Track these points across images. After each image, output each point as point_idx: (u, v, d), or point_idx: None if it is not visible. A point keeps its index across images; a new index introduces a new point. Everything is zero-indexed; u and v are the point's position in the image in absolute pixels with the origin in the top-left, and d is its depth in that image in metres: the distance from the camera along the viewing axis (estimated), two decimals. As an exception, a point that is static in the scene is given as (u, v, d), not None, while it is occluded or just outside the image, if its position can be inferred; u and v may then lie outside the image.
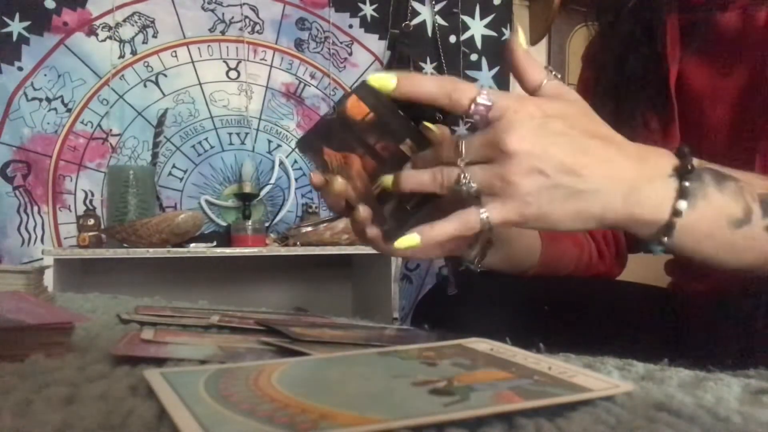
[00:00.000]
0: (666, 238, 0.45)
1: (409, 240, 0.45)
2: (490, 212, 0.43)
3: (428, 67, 2.16)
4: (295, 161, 2.05)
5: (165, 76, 1.93)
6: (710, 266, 0.48)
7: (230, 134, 1.99)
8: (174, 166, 1.93)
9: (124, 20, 1.89)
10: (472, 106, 0.43)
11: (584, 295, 0.75)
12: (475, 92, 0.43)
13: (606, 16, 0.75)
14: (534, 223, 0.44)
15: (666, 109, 0.70)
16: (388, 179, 0.47)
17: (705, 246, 0.46)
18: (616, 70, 0.72)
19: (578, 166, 0.42)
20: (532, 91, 0.46)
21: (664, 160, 0.45)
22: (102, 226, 1.71)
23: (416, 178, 0.46)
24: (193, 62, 1.96)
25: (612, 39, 0.74)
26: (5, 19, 1.77)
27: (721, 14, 0.66)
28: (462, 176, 0.43)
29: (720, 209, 0.45)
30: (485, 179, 0.43)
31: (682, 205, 0.44)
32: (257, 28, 2.02)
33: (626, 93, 0.70)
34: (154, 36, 1.92)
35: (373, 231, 0.50)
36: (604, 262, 0.79)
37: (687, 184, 0.44)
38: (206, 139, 1.97)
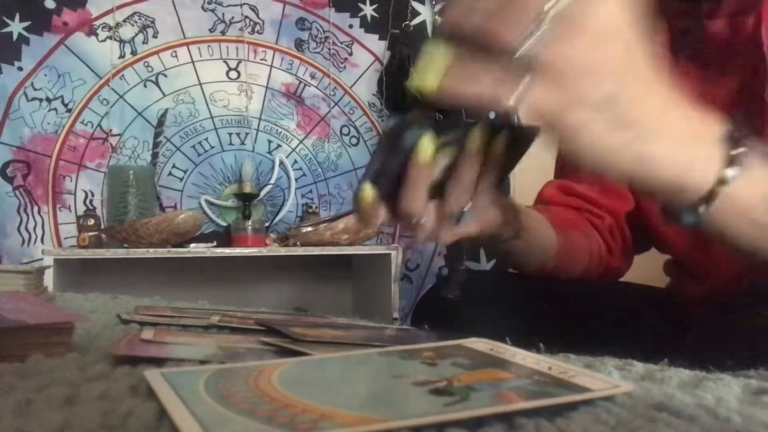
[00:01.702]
0: (704, 208, 0.41)
1: (429, 77, 0.37)
2: (531, 93, 0.36)
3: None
4: (295, 161, 2.05)
5: (165, 76, 1.93)
6: (736, 248, 0.45)
7: (230, 134, 1.99)
8: (174, 166, 1.93)
9: (124, 20, 1.89)
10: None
11: (584, 295, 0.75)
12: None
13: None
14: (565, 131, 0.38)
15: None
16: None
17: (738, 223, 0.42)
18: None
19: (645, 103, 0.38)
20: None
21: (715, 124, 0.42)
22: (102, 226, 1.71)
23: (467, 13, 0.37)
24: (193, 62, 1.96)
25: None
26: (5, 19, 1.77)
27: (709, 22, 0.67)
28: (526, 33, 0.35)
29: (764, 186, 0.42)
30: (551, 53, 0.35)
31: (730, 173, 0.40)
32: (257, 28, 2.02)
33: None
34: (154, 36, 1.92)
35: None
36: (615, 258, 0.79)
37: (736, 151, 0.40)
38: (206, 139, 1.97)
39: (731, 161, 0.40)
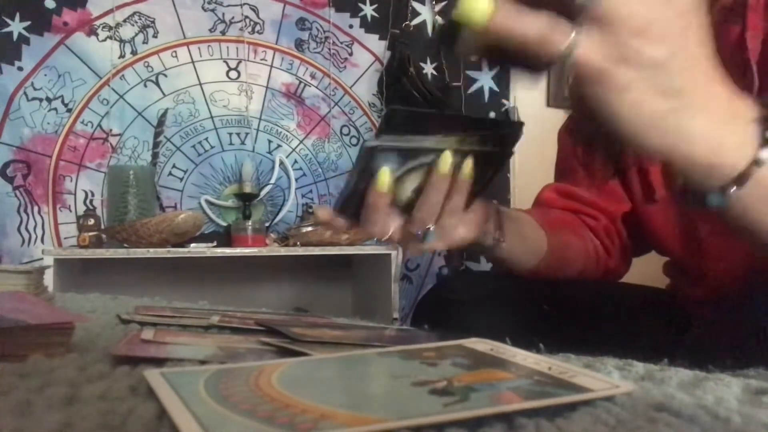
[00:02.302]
0: (735, 189, 0.39)
1: (481, 3, 0.35)
2: (581, 40, 0.35)
3: (428, 67, 2.16)
4: (295, 161, 2.05)
5: (165, 76, 1.93)
6: (757, 234, 0.43)
7: (230, 134, 1.99)
8: (174, 166, 1.93)
9: (125, 20, 1.89)
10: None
11: (584, 296, 0.75)
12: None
13: None
14: (607, 91, 0.37)
15: None
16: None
17: (761, 207, 0.41)
18: None
19: (692, 77, 0.37)
20: None
21: (751, 106, 0.41)
22: (102, 226, 1.71)
23: None
24: (193, 62, 1.96)
25: None
26: (5, 19, 1.77)
27: None
28: None
29: None
30: (614, 7, 0.35)
31: (765, 154, 0.39)
32: (257, 28, 2.02)
33: None
34: (155, 36, 1.92)
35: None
36: (613, 259, 0.80)
37: None
38: (206, 139, 1.97)
39: (766, 143, 0.39)
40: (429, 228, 0.52)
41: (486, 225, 0.61)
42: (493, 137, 0.50)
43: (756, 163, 0.39)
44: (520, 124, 0.52)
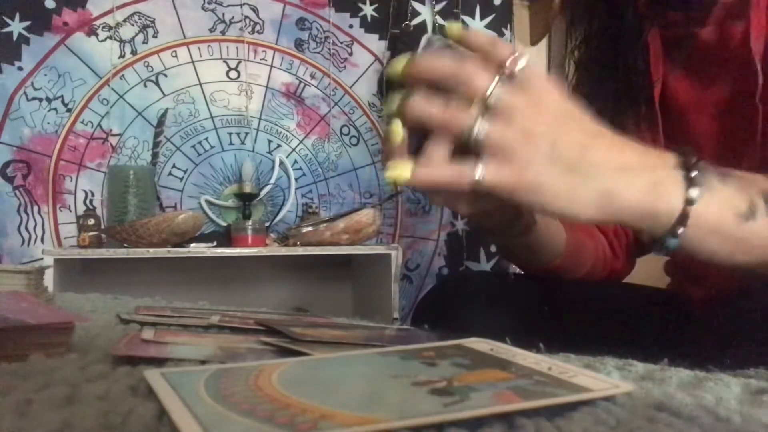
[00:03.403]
0: (681, 229, 0.43)
1: (400, 170, 0.43)
2: (487, 171, 0.42)
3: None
4: (295, 161, 2.05)
5: (165, 76, 1.93)
6: (716, 264, 0.47)
7: (230, 134, 1.99)
8: (174, 166, 1.93)
9: (125, 20, 1.89)
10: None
11: (584, 296, 0.75)
12: (485, 85, 0.41)
13: (592, 40, 0.76)
14: (527, 195, 0.42)
15: (651, 123, 0.71)
16: (396, 70, 0.44)
17: (712, 241, 0.45)
18: (601, 88, 0.73)
19: (589, 145, 0.41)
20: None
21: (666, 155, 0.45)
22: (102, 226, 1.71)
23: (423, 107, 0.43)
24: (193, 62, 1.96)
25: (595, 65, 0.75)
26: (5, 19, 1.77)
27: (699, 30, 0.67)
28: (475, 121, 0.41)
29: (726, 202, 0.44)
30: (494, 132, 0.41)
31: (694, 192, 0.43)
32: (257, 28, 2.02)
33: (612, 108, 0.71)
34: (155, 36, 1.92)
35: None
36: (619, 260, 0.80)
37: (694, 174, 0.43)
38: (206, 139, 1.97)
39: (692, 182, 0.43)
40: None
41: (520, 210, 0.61)
42: None
43: (689, 202, 0.43)
44: None
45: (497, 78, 0.41)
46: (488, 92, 0.41)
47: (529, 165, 0.41)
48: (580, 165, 0.41)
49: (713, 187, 0.44)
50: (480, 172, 0.42)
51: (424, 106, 0.43)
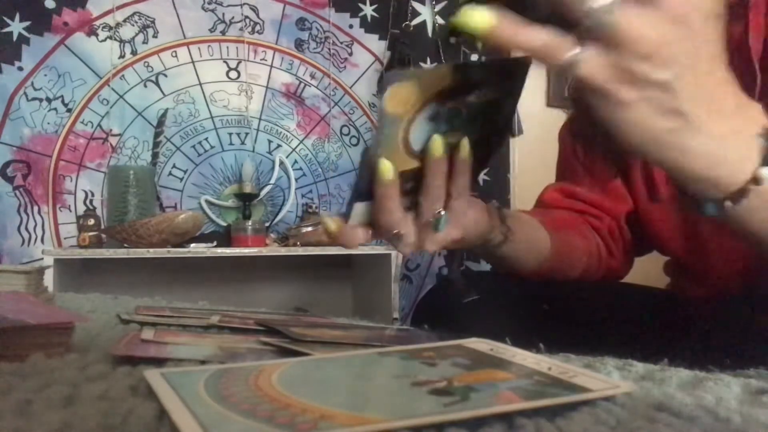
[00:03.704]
0: (731, 204, 0.40)
1: (479, 15, 0.35)
2: (587, 56, 0.35)
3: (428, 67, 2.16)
4: (295, 161, 2.05)
5: (165, 76, 1.93)
6: (753, 244, 0.44)
7: (230, 134, 1.99)
8: (174, 166, 1.93)
9: (125, 20, 1.89)
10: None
11: (584, 296, 0.75)
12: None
13: None
14: (611, 110, 0.37)
15: None
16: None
17: (760, 222, 0.41)
18: None
19: (699, 89, 0.37)
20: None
21: (755, 115, 0.40)
22: (102, 226, 1.71)
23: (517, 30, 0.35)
24: (193, 62, 1.96)
25: None
26: (5, 19, 1.77)
27: None
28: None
29: None
30: (624, 21, 0.34)
31: (765, 172, 0.39)
32: (257, 28, 2.02)
33: None
34: (155, 36, 1.92)
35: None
36: (615, 260, 0.79)
37: None
38: (206, 139, 1.97)
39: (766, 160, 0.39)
40: (440, 213, 0.49)
41: (491, 225, 0.61)
42: (493, 82, 0.46)
43: (755, 180, 0.39)
44: (526, 60, 0.45)
45: None
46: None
47: (636, 82, 0.36)
48: (676, 112, 0.37)
49: None
50: (577, 54, 0.35)
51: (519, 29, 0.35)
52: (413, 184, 0.49)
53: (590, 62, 0.35)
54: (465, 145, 0.48)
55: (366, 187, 0.47)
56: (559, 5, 0.35)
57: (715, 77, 0.38)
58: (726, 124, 0.39)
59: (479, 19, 0.35)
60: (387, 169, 0.45)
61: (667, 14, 0.35)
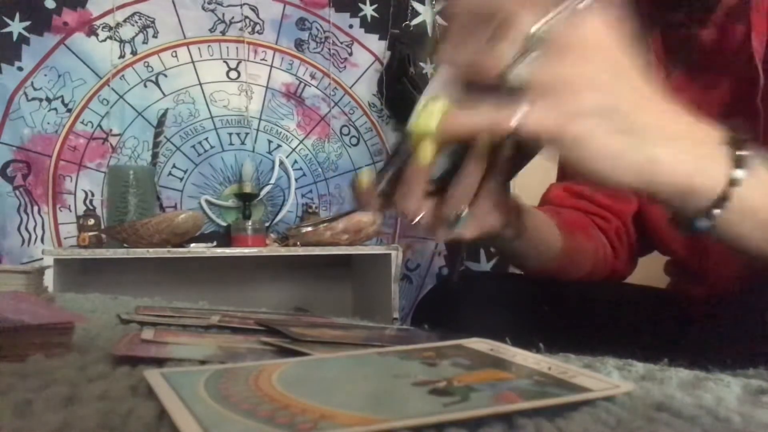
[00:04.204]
0: (717, 211, 0.40)
1: (427, 117, 0.39)
2: (529, 114, 0.37)
3: (428, 67, 2.16)
4: (295, 161, 2.05)
5: (165, 76, 1.93)
6: (745, 251, 0.44)
7: (230, 134, 1.99)
8: (174, 166, 1.93)
9: (125, 20, 1.89)
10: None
11: (584, 296, 0.75)
12: (534, 19, 0.37)
13: None
14: (569, 148, 0.38)
15: None
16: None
17: (746, 226, 0.42)
18: None
19: (642, 106, 0.38)
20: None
21: (715, 129, 0.41)
22: (102, 226, 1.71)
23: (456, 47, 0.38)
24: (193, 62, 1.96)
25: None
26: (5, 19, 1.77)
27: (700, 31, 0.67)
28: (519, 60, 0.37)
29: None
30: (542, 73, 0.37)
31: (739, 173, 0.40)
32: (257, 28, 2.02)
33: None
34: (155, 36, 1.92)
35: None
36: (620, 261, 0.79)
37: (742, 153, 0.40)
38: (206, 139, 1.97)
39: (738, 162, 0.40)
40: (462, 213, 0.48)
41: (508, 218, 0.60)
42: None
43: (732, 183, 0.40)
44: None
45: (552, 13, 0.37)
46: (538, 27, 0.36)
47: (576, 115, 0.37)
48: (630, 127, 0.38)
49: (758, 171, 0.40)
50: (519, 117, 0.37)
51: (457, 46, 0.38)
52: (447, 168, 0.47)
53: (534, 116, 0.38)
54: (507, 146, 0.47)
55: (400, 159, 0.46)
56: (478, 78, 0.39)
57: (652, 97, 0.40)
58: (686, 134, 0.40)
59: (425, 125, 0.40)
60: (425, 155, 0.44)
61: (579, 52, 0.38)
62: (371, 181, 0.47)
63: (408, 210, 0.47)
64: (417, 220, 0.48)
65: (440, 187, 0.48)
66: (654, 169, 0.39)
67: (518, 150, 0.48)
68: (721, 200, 0.40)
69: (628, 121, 0.38)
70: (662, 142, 0.39)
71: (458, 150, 0.46)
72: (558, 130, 0.38)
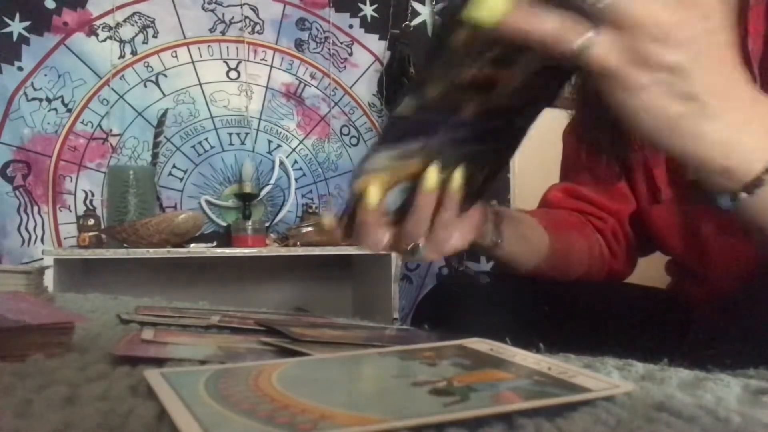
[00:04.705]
0: (746, 195, 0.39)
1: (493, 3, 0.34)
2: (597, 41, 0.34)
3: None
4: (295, 161, 2.05)
5: (165, 76, 1.93)
6: (764, 237, 0.43)
7: (230, 134, 1.99)
8: (174, 166, 1.93)
9: (125, 20, 1.89)
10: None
11: (584, 296, 0.75)
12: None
13: None
14: (624, 95, 0.36)
15: None
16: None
17: None
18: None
19: (713, 74, 0.37)
20: None
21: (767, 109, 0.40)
22: (102, 226, 1.71)
23: (527, 17, 0.34)
24: (193, 62, 1.96)
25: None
26: (5, 19, 1.77)
27: None
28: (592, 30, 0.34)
29: None
30: (631, 3, 0.34)
31: None
32: (257, 28, 2.02)
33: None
34: (155, 36, 1.92)
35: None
36: (618, 261, 0.79)
37: None
38: (206, 139, 1.97)
39: None
40: (417, 245, 0.50)
41: (484, 227, 0.61)
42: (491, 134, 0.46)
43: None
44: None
45: None
46: None
47: (648, 62, 0.35)
48: (691, 95, 0.36)
49: None
50: (590, 37, 0.34)
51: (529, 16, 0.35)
52: (406, 199, 0.48)
53: (602, 46, 0.35)
54: (457, 178, 0.47)
55: (353, 199, 0.48)
56: None
57: (728, 66, 0.38)
58: (740, 114, 0.38)
59: (492, 5, 0.34)
60: (371, 201, 0.47)
61: None
62: (332, 223, 0.51)
63: (367, 245, 0.50)
64: (378, 250, 0.50)
65: (399, 218, 0.49)
66: (697, 143, 0.38)
67: (481, 166, 0.48)
68: (754, 185, 0.39)
69: (692, 88, 0.36)
70: (715, 117, 0.37)
71: (412, 184, 0.47)
72: (621, 72, 0.35)
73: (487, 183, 0.51)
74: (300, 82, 2.07)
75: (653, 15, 0.34)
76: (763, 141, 0.39)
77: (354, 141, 2.12)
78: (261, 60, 2.03)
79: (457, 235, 0.54)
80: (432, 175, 0.46)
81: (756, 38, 0.62)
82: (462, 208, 0.50)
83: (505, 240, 0.63)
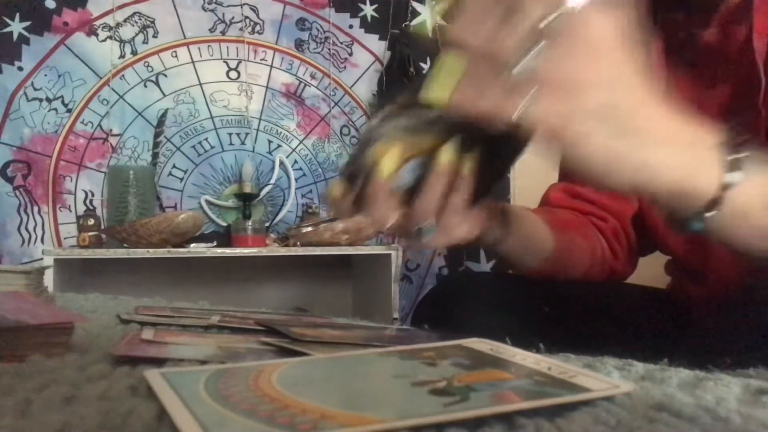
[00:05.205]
0: (710, 213, 0.41)
1: (441, 91, 0.39)
2: (533, 104, 0.37)
3: (428, 67, 2.16)
4: (295, 161, 2.05)
5: (165, 76, 1.93)
6: (737, 251, 0.45)
7: (230, 134, 1.99)
8: (174, 166, 1.93)
9: (125, 20, 1.89)
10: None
11: (584, 296, 0.75)
12: (543, 13, 0.37)
13: None
14: (567, 145, 0.39)
15: None
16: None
17: (742, 227, 0.43)
18: None
19: (640, 110, 0.39)
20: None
21: (711, 131, 0.42)
22: (102, 226, 1.71)
23: (468, 30, 0.38)
24: (193, 62, 1.96)
25: None
26: (5, 19, 1.77)
27: (702, 31, 0.67)
28: (528, 51, 0.37)
29: (763, 189, 0.42)
30: (548, 68, 0.37)
31: (733, 177, 0.40)
32: (257, 28, 2.02)
33: None
34: (155, 36, 1.92)
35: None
36: (619, 261, 0.79)
37: (735, 156, 0.40)
38: (206, 139, 1.97)
39: (732, 166, 0.41)
40: (427, 225, 0.50)
41: (489, 223, 0.60)
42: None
43: (725, 186, 0.40)
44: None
45: (562, 7, 0.36)
46: (548, 20, 0.36)
47: (578, 114, 0.38)
48: (629, 130, 0.39)
49: (752, 173, 0.41)
50: (526, 103, 0.37)
51: (470, 29, 0.38)
52: (418, 177, 0.47)
53: (537, 111, 0.38)
54: (470, 162, 0.47)
55: (360, 170, 0.47)
56: (486, 64, 0.38)
57: (655, 100, 0.40)
58: (681, 137, 0.41)
59: (439, 95, 0.40)
60: (385, 168, 0.46)
61: (584, 49, 0.38)
62: (342, 191, 0.49)
63: (375, 219, 0.49)
64: (385, 228, 0.49)
65: (409, 198, 0.48)
66: (648, 173, 0.40)
67: (495, 157, 0.49)
68: (714, 203, 0.41)
69: (628, 123, 0.39)
70: (660, 144, 0.40)
71: (426, 162, 0.47)
72: (560, 127, 0.38)
73: (501, 172, 0.51)
74: (300, 82, 2.07)
75: (570, 72, 0.38)
76: (711, 160, 0.41)
77: (354, 141, 2.12)
78: (261, 60, 2.03)
79: (465, 226, 0.55)
80: (449, 150, 0.46)
81: (761, 38, 0.62)
82: (474, 197, 0.50)
83: (510, 237, 0.63)
